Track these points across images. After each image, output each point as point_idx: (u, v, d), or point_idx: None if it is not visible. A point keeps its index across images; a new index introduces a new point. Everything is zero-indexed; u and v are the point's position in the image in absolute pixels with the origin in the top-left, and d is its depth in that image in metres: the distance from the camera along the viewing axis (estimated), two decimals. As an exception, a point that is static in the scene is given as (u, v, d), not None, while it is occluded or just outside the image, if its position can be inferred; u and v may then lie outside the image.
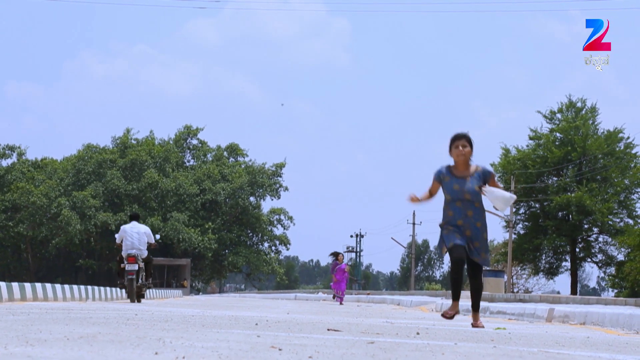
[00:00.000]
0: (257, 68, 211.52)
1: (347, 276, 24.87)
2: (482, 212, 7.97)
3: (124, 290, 16.39)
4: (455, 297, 7.97)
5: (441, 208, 8.13)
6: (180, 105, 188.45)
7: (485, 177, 8.08)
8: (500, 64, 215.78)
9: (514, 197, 7.80)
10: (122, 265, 16.15)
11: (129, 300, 16.51)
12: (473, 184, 7.98)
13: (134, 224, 16.45)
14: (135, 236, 16.22)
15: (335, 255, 24.62)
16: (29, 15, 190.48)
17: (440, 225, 8.08)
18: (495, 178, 8.20)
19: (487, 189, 7.89)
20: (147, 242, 16.40)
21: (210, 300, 26.87)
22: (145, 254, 16.35)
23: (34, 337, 3.39)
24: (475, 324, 7.77)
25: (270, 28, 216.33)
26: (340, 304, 23.00)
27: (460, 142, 8.12)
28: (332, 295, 25.40)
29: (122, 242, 16.29)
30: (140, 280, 16.08)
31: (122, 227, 16.52)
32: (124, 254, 16.14)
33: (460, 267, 7.76)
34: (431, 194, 8.18)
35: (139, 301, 16.06)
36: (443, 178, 8.07)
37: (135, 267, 15.89)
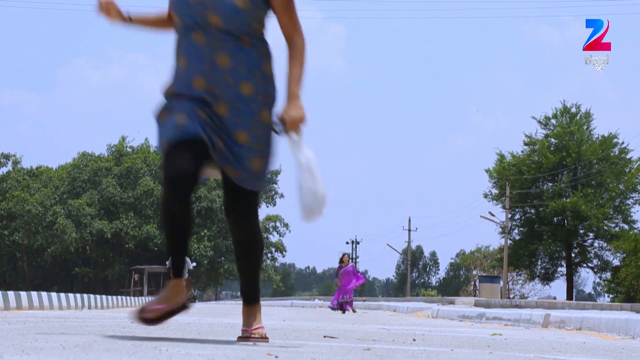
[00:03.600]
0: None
1: (358, 276, 21.39)
2: (259, 59, 3.77)
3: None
4: (176, 272, 3.97)
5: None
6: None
7: None
8: (494, 70, 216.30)
9: (324, 198, 3.75)
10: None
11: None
12: None
13: None
14: None
15: (341, 257, 21.37)
16: (22, 23, 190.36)
17: (165, 94, 3.82)
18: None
19: (301, 159, 3.72)
20: (187, 267, 21.16)
21: (206, 307, 26.83)
22: (186, 276, 21.78)
23: (29, 345, 3.39)
24: (248, 333, 3.98)
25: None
26: (354, 311, 20.32)
27: None
28: (337, 304, 21.32)
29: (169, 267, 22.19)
30: None
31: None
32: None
33: (182, 196, 3.65)
34: (163, 17, 4.02)
35: None
36: None
37: None
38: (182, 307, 3.99)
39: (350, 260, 24.60)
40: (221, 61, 3.68)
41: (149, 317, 3.94)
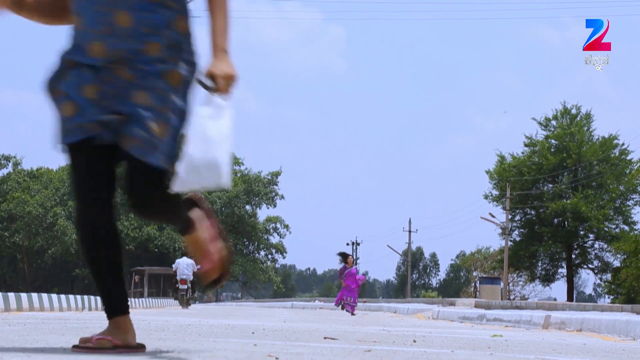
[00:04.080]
0: (252, 76, 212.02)
1: (362, 281, 20.67)
2: (169, 14, 3.10)
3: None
4: (115, 310, 3.17)
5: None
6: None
7: None
8: (494, 70, 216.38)
9: (223, 166, 3.03)
10: (176, 285, 24.92)
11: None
12: None
13: (184, 258, 24.99)
14: (185, 266, 24.69)
15: (344, 257, 20.50)
16: (22, 23, 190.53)
17: (62, 62, 3.14)
18: None
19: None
20: (193, 270, 24.36)
21: (207, 309, 26.82)
22: (191, 278, 24.51)
23: (30, 347, 3.39)
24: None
25: (266, 36, 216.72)
26: (352, 314, 19.43)
27: None
28: (340, 305, 20.73)
29: (176, 270, 24.88)
30: (188, 295, 24.69)
31: (176, 261, 25.44)
32: (178, 278, 24.68)
33: (99, 217, 3.08)
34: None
35: (187, 307, 23.46)
36: None
37: (185, 287, 24.55)
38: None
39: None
40: (121, 20, 3.02)
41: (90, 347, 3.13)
